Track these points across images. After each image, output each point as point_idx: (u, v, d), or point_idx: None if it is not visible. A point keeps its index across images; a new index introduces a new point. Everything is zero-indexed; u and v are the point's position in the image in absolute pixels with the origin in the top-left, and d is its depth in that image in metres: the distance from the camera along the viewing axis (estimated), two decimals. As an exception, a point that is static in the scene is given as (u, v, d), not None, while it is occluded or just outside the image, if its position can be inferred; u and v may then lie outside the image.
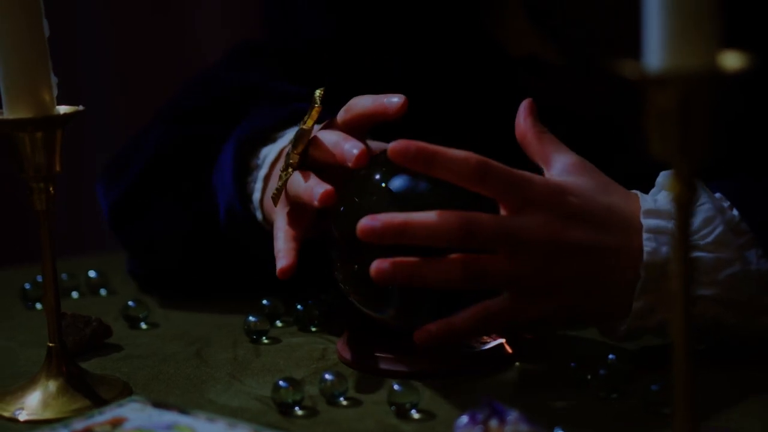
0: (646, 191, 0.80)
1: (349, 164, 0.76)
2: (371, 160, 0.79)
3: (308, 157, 0.81)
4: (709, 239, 0.73)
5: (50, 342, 0.75)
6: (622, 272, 0.72)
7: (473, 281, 0.71)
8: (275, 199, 0.82)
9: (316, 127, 0.83)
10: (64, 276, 1.01)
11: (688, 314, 0.50)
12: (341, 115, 0.81)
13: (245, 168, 0.90)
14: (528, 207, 0.71)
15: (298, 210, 0.82)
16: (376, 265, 0.71)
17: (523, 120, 0.78)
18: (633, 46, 0.97)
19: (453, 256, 0.71)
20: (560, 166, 0.76)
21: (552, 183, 0.74)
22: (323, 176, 0.79)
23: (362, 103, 0.80)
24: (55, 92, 0.74)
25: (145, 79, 1.74)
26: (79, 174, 1.33)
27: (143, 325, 0.91)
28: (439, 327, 0.73)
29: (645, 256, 0.72)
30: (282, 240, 0.81)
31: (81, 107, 0.75)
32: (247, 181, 0.90)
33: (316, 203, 0.76)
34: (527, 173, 0.73)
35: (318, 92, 0.82)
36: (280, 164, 0.84)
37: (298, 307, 0.88)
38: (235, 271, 0.96)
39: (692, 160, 0.50)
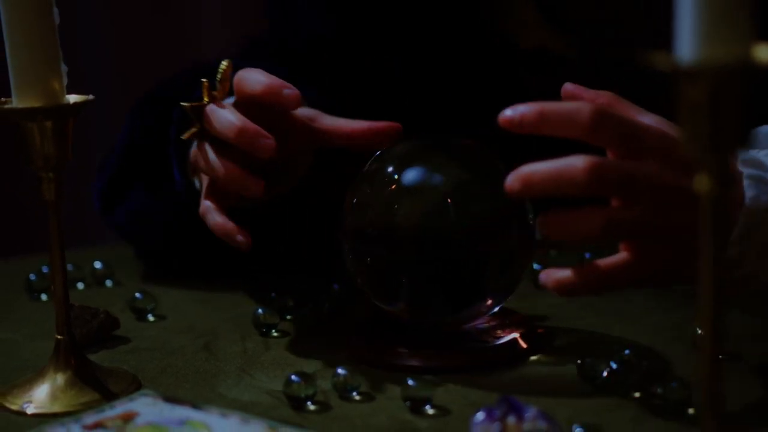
0: None
1: (258, 154, 0.76)
2: (384, 153, 0.78)
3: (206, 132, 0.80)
4: None
5: (58, 334, 0.74)
6: (727, 223, 0.70)
7: (611, 232, 0.68)
8: (191, 171, 0.85)
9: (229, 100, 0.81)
10: (69, 267, 0.99)
11: (719, 313, 0.49)
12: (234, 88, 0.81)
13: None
14: (643, 155, 0.69)
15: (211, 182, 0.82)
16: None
17: (585, 93, 0.75)
18: (643, 38, 0.96)
19: (592, 208, 0.68)
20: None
21: (664, 132, 0.71)
22: (222, 148, 0.78)
23: (252, 82, 0.78)
24: (65, 81, 0.72)
25: (145, 77, 1.72)
26: (84, 165, 1.31)
27: (150, 317, 0.90)
28: (575, 274, 0.70)
29: (747, 200, 0.70)
30: (215, 214, 0.80)
31: (91, 96, 0.74)
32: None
33: (246, 194, 0.77)
34: (639, 120, 0.71)
35: (223, 64, 0.80)
36: None
37: (309, 299, 0.87)
38: (222, 251, 0.94)
39: (724, 154, 0.48)
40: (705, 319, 0.50)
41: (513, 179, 0.67)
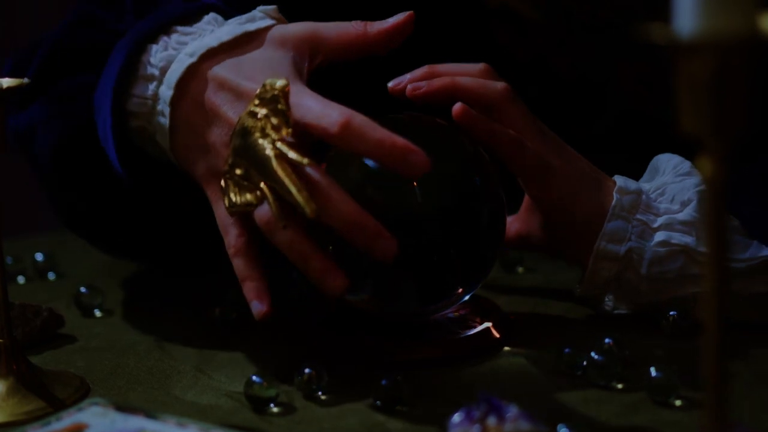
0: (622, 153, 0.76)
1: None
2: None
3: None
4: (679, 172, 0.75)
5: (-2, 338, 0.69)
6: (604, 185, 0.74)
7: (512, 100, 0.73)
8: (234, 212, 0.68)
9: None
10: (8, 260, 0.94)
11: (721, 308, 0.45)
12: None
13: (132, 71, 0.73)
14: None
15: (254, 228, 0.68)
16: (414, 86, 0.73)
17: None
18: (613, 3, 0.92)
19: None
20: None
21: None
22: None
23: (369, 132, 0.63)
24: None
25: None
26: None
27: (98, 313, 0.84)
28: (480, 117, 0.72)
29: (618, 182, 0.74)
30: (244, 270, 0.68)
31: (25, 80, 0.68)
32: (131, 93, 0.73)
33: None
34: None
35: (281, 82, 0.66)
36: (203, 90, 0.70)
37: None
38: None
39: (727, 136, 0.44)
40: (709, 308, 0.46)
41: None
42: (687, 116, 0.44)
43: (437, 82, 0.72)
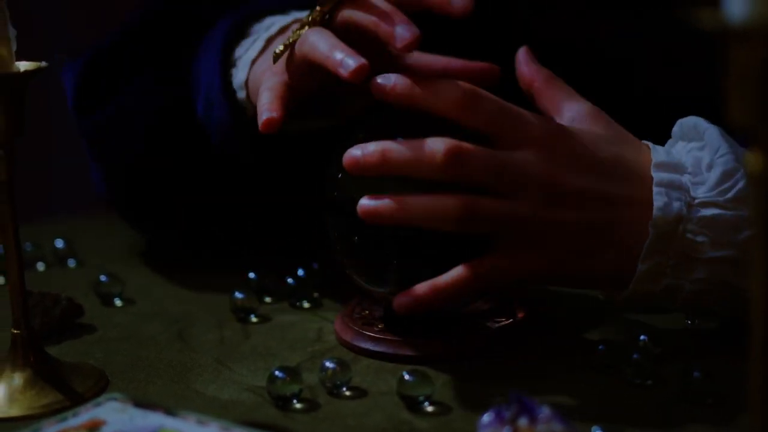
0: (652, 135, 0.72)
1: (398, 45, 0.65)
2: (368, 121, 0.71)
3: (334, 20, 0.69)
4: (729, 195, 0.65)
5: (15, 329, 0.67)
6: (629, 228, 0.65)
7: (467, 222, 0.64)
8: (277, 57, 0.71)
9: None
10: (27, 246, 0.92)
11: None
12: None
13: (232, 51, 0.79)
14: (524, 144, 0.65)
15: (296, 77, 0.70)
16: (363, 204, 0.65)
17: (526, 66, 0.72)
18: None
19: (448, 194, 0.64)
20: (570, 115, 0.70)
21: (553, 123, 0.68)
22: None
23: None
24: (14, 47, 0.65)
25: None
26: (40, 136, 1.23)
27: (118, 302, 0.83)
28: (424, 290, 0.65)
29: (654, 211, 0.65)
30: (268, 97, 0.69)
31: (44, 63, 0.66)
32: (232, 60, 0.79)
33: (345, 75, 0.65)
34: (523, 110, 0.67)
35: None
36: (276, 42, 0.75)
37: (289, 280, 0.80)
38: (207, 176, 0.86)
39: (779, 127, 0.42)
40: (758, 308, 0.44)
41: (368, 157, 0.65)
42: (736, 105, 0.42)
43: (370, 159, 0.66)
